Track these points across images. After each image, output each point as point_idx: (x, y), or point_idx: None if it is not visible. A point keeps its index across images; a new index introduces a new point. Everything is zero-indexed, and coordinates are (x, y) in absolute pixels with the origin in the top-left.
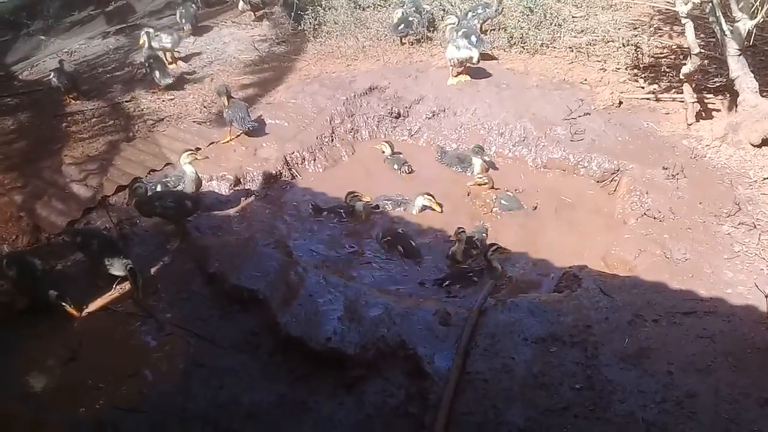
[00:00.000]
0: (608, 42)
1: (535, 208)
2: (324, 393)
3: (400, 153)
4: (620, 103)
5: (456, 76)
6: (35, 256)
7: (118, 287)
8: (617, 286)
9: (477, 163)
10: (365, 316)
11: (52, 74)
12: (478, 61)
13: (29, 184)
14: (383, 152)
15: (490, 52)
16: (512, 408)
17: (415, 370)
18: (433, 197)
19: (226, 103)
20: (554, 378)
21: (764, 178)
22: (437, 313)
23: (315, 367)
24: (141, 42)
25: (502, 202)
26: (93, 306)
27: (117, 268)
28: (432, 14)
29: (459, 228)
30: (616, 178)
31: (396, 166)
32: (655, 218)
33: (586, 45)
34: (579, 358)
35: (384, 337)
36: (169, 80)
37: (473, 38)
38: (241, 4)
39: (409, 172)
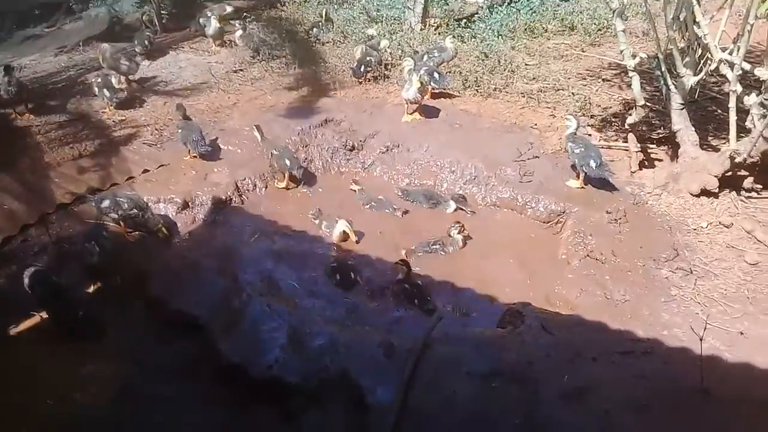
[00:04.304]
0: (558, 90)
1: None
2: (263, 423)
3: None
4: None
5: (411, 113)
6: None
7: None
8: (559, 324)
9: (452, 205)
10: (309, 345)
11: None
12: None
13: None
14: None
15: (447, 91)
16: None
17: (356, 401)
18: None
19: (181, 119)
20: (495, 413)
21: (701, 226)
22: (382, 344)
23: (255, 397)
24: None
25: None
26: (23, 326)
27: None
28: (390, 54)
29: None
30: (561, 219)
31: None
32: (597, 260)
33: (537, 92)
34: (520, 394)
35: (327, 367)
36: (118, 100)
37: (435, 75)
38: (212, 26)
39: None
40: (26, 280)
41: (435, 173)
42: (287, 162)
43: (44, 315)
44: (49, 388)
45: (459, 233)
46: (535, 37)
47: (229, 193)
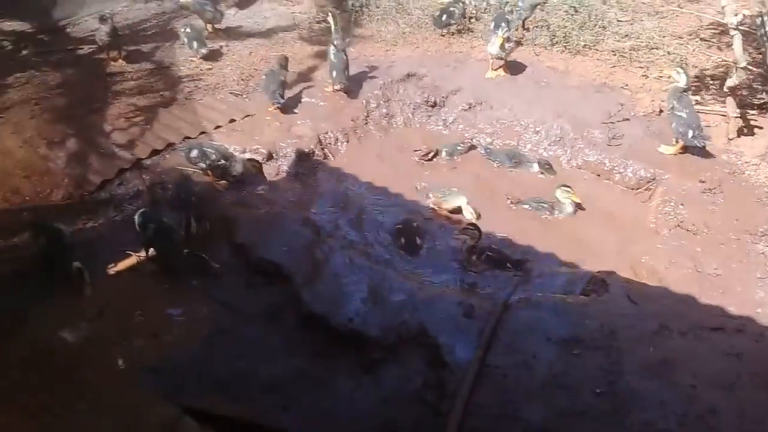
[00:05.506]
0: (652, 49)
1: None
2: (343, 371)
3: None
4: (660, 111)
5: (495, 69)
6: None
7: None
8: (645, 295)
9: (535, 167)
10: (388, 300)
11: (99, 28)
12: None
13: (66, 140)
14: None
15: (532, 49)
16: (530, 405)
17: (434, 358)
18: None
19: (285, 75)
20: (575, 380)
21: None
22: (461, 304)
23: (335, 346)
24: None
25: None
26: (121, 266)
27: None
28: (475, 6)
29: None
30: (651, 186)
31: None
32: (688, 231)
33: (629, 50)
34: (601, 363)
35: (406, 322)
36: (205, 50)
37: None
38: None
39: None
40: (139, 219)
41: (518, 133)
42: (335, 73)
43: (141, 255)
44: (143, 326)
45: (567, 198)
46: None
47: (311, 146)
